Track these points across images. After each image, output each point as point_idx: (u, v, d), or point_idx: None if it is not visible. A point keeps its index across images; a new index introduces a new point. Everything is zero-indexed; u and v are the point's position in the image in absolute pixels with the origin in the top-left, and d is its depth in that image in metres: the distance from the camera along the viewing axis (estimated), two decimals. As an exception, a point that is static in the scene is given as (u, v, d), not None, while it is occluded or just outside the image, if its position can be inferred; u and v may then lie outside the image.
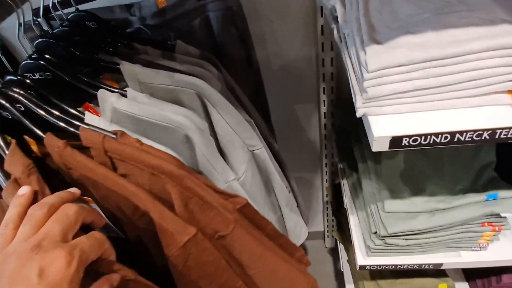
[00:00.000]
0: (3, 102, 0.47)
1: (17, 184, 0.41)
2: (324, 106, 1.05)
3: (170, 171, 0.43)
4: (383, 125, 0.49)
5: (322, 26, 0.88)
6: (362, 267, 0.77)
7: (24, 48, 0.60)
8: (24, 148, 0.46)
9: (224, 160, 0.60)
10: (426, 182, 0.73)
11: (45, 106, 0.49)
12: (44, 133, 0.46)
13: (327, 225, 1.51)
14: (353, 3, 0.62)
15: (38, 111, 0.48)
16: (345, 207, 0.88)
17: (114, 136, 0.46)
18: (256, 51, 0.88)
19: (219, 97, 0.58)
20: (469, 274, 1.02)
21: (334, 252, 1.60)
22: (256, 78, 0.89)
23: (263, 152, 0.66)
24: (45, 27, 0.67)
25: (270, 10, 0.90)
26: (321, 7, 0.86)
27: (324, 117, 1.08)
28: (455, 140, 0.47)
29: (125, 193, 0.42)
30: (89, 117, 0.52)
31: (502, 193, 0.67)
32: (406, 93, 0.49)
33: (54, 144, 0.45)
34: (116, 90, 0.56)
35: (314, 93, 1.07)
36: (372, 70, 0.48)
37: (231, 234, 0.45)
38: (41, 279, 0.30)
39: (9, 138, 0.46)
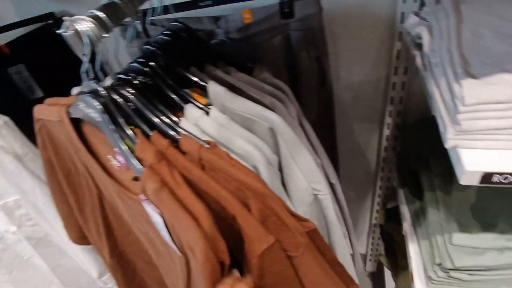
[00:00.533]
0: (120, 100, 0.52)
1: (153, 169, 0.46)
2: (388, 129, 1.04)
3: (256, 188, 0.46)
4: (474, 160, 0.49)
5: (398, 50, 0.88)
6: (420, 297, 0.76)
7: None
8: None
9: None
10: (497, 219, 0.71)
11: (151, 108, 0.54)
12: (151, 131, 0.50)
13: (371, 249, 1.49)
14: (443, 33, 0.62)
15: (145, 112, 0.53)
16: (403, 233, 0.88)
17: (207, 146, 0.49)
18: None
19: (291, 136, 0.58)
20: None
21: (374, 276, 1.57)
22: (327, 98, 0.90)
23: (327, 199, 0.65)
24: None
25: (345, 29, 0.92)
26: (400, 32, 0.87)
27: (386, 140, 1.07)
28: (549, 182, 0.47)
29: (217, 196, 0.46)
30: (184, 124, 0.56)
31: None
32: (500, 130, 0.49)
33: (159, 143, 0.49)
34: (202, 107, 0.59)
35: (377, 115, 1.07)
36: (469, 104, 0.48)
37: (300, 256, 0.47)
38: None
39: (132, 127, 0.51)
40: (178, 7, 0.81)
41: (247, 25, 0.78)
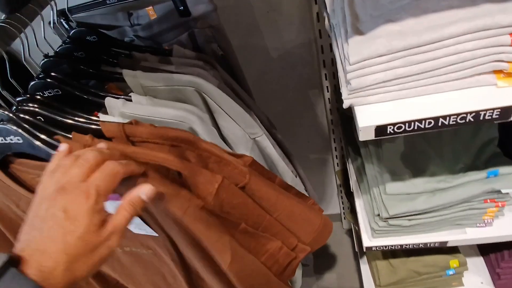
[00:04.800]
0: (26, 116, 0.51)
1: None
2: (328, 91, 1.05)
3: (187, 137, 0.49)
4: (368, 115, 0.50)
5: (317, 13, 0.88)
6: (368, 249, 0.79)
7: (35, 65, 0.64)
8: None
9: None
10: (426, 163, 0.74)
11: (62, 114, 0.54)
12: (69, 134, 0.51)
13: (343, 207, 1.53)
14: (339, -8, 0.62)
15: (59, 119, 0.53)
16: (351, 190, 0.90)
17: (131, 124, 0.50)
18: (255, 43, 0.89)
19: (217, 91, 0.61)
20: (482, 249, 1.02)
21: (351, 233, 1.62)
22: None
23: (265, 139, 0.69)
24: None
25: (264, 2, 0.91)
26: (315, -6, 0.86)
27: (329, 102, 1.09)
28: (439, 124, 0.48)
29: (157, 161, 0.47)
30: (103, 117, 0.57)
31: (503, 170, 0.67)
32: (389, 82, 0.50)
33: (82, 140, 0.49)
34: (122, 97, 0.60)
35: (317, 79, 1.08)
36: (354, 62, 0.49)
37: (249, 183, 0.51)
38: (65, 215, 0.36)
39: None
40: (85, 7, 0.79)
41: (150, 23, 0.77)
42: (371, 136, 0.50)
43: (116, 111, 0.58)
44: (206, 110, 0.63)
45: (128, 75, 0.61)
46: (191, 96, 0.61)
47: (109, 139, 0.50)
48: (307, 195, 0.63)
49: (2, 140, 0.52)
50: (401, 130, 0.50)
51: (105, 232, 0.38)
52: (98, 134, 0.51)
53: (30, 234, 0.36)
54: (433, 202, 0.70)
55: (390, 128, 0.49)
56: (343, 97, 0.52)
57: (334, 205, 1.57)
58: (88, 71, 0.64)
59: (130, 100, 0.60)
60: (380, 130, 0.49)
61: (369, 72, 0.49)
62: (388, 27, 0.51)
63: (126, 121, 0.54)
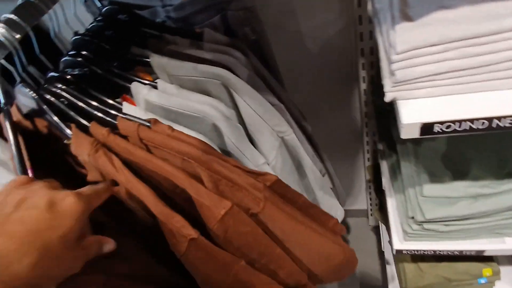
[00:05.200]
0: (50, 98, 0.50)
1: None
2: (364, 82, 1.00)
3: (198, 156, 0.46)
4: (413, 111, 0.46)
5: (359, -3, 0.82)
6: (399, 252, 0.75)
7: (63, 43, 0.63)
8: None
9: (254, 147, 0.61)
10: (469, 166, 0.68)
11: (86, 99, 0.52)
12: (89, 123, 0.49)
13: (371, 204, 1.48)
14: (387, -26, 0.57)
15: (78, 104, 0.51)
16: (383, 188, 0.85)
17: (148, 124, 0.48)
18: (288, 27, 0.84)
19: (244, 86, 0.58)
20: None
21: (377, 230, 1.57)
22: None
23: (294, 138, 0.65)
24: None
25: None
26: (358, -23, 0.80)
27: (364, 94, 1.03)
28: (493, 126, 0.43)
29: (164, 173, 0.45)
30: (126, 107, 0.55)
31: (558, 178, 0.61)
32: (440, 75, 0.45)
33: (99, 132, 0.48)
34: (147, 82, 0.58)
35: (353, 68, 1.02)
36: (401, 51, 0.44)
37: (262, 212, 0.47)
38: (49, 208, 0.33)
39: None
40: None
41: (182, 4, 0.74)
42: (415, 134, 0.46)
43: (141, 97, 0.57)
44: (232, 105, 0.60)
45: (155, 62, 0.59)
46: (217, 89, 0.58)
47: (124, 136, 0.49)
48: (329, 214, 0.58)
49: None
50: (450, 129, 0.45)
51: (79, 251, 0.35)
52: (113, 125, 0.49)
53: None
54: (474, 208, 0.64)
55: (438, 126, 0.45)
56: (385, 90, 0.48)
57: (361, 200, 1.51)
58: (117, 52, 0.62)
59: (156, 87, 0.58)
60: (426, 128, 0.45)
61: (418, 63, 0.44)
62: (441, 14, 0.45)
63: (147, 115, 0.52)
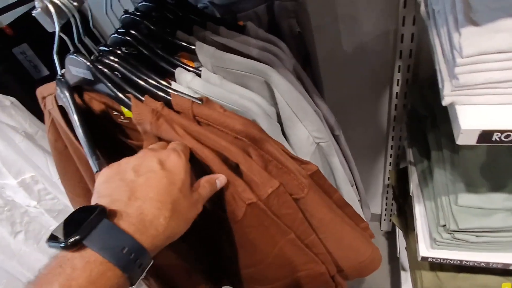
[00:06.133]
0: (105, 70, 0.50)
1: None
2: (398, 85, 0.98)
3: (253, 135, 0.46)
4: (472, 117, 0.45)
5: (405, -1, 0.81)
6: (424, 259, 0.74)
7: (111, 22, 0.62)
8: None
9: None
10: (507, 179, 0.67)
11: (140, 74, 0.52)
12: (142, 96, 0.49)
13: (385, 209, 1.47)
14: (448, -24, 0.55)
15: (134, 79, 0.51)
16: (410, 194, 0.85)
17: (200, 102, 0.48)
18: (328, 24, 0.83)
19: (287, 87, 0.57)
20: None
21: (389, 235, 1.56)
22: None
23: (329, 146, 0.64)
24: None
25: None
26: (406, -22, 0.79)
27: (396, 97, 1.02)
28: (556, 139, 0.42)
29: (218, 147, 0.46)
30: (176, 86, 0.55)
31: None
32: (503, 83, 0.44)
33: (152, 105, 0.48)
34: (192, 70, 0.58)
35: (387, 71, 1.01)
36: (468, 55, 0.43)
37: (305, 198, 0.48)
38: (162, 166, 0.38)
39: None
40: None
41: None
42: (472, 141, 0.45)
43: (184, 83, 0.56)
44: (273, 103, 0.59)
45: (202, 50, 0.59)
46: (260, 86, 0.57)
47: (176, 111, 0.49)
48: (362, 217, 0.58)
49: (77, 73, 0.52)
50: (508, 139, 0.44)
51: (195, 196, 0.38)
52: (169, 103, 0.49)
53: (116, 188, 0.35)
54: (511, 221, 0.63)
55: (497, 135, 0.44)
56: (444, 93, 0.47)
57: (375, 205, 1.51)
58: (163, 36, 0.62)
59: (199, 76, 0.58)
60: (485, 136, 0.44)
61: (483, 68, 0.43)
62: (510, 22, 0.44)
63: (197, 95, 0.52)
